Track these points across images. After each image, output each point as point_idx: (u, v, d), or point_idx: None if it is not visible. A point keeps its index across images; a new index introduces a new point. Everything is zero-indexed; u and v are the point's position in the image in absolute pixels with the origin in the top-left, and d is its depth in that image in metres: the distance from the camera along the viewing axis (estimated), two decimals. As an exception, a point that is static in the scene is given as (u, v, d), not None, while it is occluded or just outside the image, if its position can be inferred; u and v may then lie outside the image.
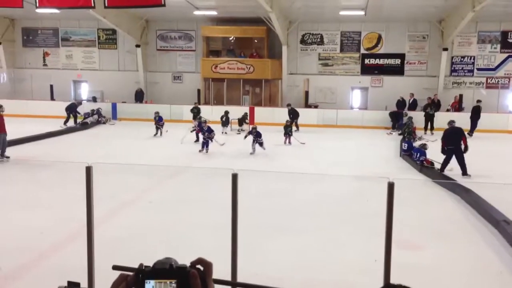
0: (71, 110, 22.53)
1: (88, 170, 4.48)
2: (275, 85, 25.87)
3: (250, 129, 16.66)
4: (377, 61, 25.24)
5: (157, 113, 19.81)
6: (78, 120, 22.53)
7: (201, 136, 16.47)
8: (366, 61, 25.32)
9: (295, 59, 25.56)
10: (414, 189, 10.97)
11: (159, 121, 19.80)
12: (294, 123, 20.75)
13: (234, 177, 4.06)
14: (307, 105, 25.01)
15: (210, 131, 15.99)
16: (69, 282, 3.30)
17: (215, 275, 1.14)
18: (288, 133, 17.97)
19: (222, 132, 19.95)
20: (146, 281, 1.10)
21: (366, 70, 25.34)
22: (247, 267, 5.25)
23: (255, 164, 14.11)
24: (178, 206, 9.65)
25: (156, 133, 19.61)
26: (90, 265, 3.77)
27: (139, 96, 25.90)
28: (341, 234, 8.03)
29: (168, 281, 1.09)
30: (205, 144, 15.84)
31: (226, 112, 21.26)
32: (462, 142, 12.65)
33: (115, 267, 3.95)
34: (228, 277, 4.35)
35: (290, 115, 21.31)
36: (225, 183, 4.95)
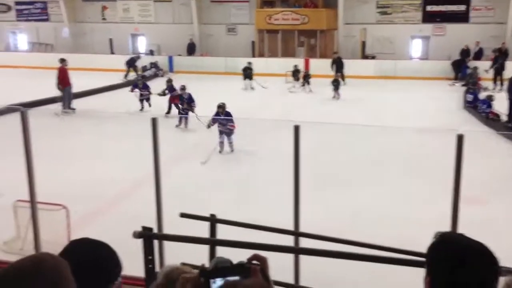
0: (131, 64, 23.04)
1: (154, 121, 4.58)
2: (330, 36, 25.18)
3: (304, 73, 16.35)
4: (440, 7, 23.85)
5: (169, 81, 14.87)
6: (137, 74, 23.02)
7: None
8: (428, 8, 23.99)
9: (351, 8, 24.60)
10: (479, 142, 10.54)
11: (144, 89, 15.44)
12: (340, 74, 19.49)
13: (296, 129, 4.03)
14: (363, 56, 24.26)
15: (190, 100, 13.15)
16: (143, 227, 3.46)
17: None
18: (335, 86, 17.33)
19: (293, 86, 18.97)
20: (211, 280, 1.12)
21: (428, 17, 24.06)
22: (309, 219, 5.30)
23: (312, 117, 13.99)
24: (239, 159, 9.80)
25: (142, 107, 15.14)
26: (159, 212, 3.93)
27: (191, 49, 26.02)
28: (404, 188, 7.92)
29: (232, 278, 1.11)
30: (184, 117, 12.77)
31: (295, 66, 20.52)
32: None
33: (183, 215, 4.09)
34: (291, 228, 4.41)
35: (333, 64, 20.36)
36: (283, 135, 4.95)
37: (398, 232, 6.19)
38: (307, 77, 19.37)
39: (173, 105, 13.85)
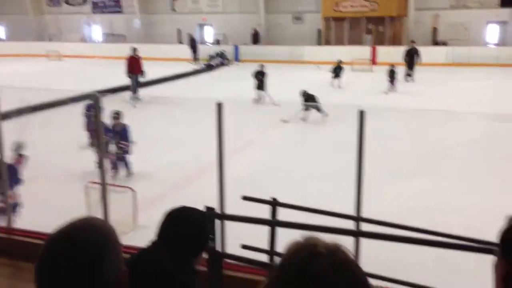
0: (193, 45, 23.83)
1: (219, 106, 4.64)
2: (400, 23, 24.36)
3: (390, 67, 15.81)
4: (521, -10, 22.40)
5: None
6: (204, 63, 23.50)
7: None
8: (507, -9, 22.60)
9: (423, -7, 23.68)
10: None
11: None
12: (409, 66, 17.97)
13: (361, 114, 3.94)
14: (434, 43, 23.27)
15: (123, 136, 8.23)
16: (206, 207, 3.54)
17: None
18: (393, 77, 15.88)
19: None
20: None
21: (506, 1, 22.62)
22: (371, 207, 5.19)
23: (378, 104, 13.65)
24: (300, 146, 9.78)
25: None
26: (222, 193, 4.00)
27: (256, 38, 26.14)
28: (474, 178, 7.57)
29: None
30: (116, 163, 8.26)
31: (340, 62, 17.56)
32: None
33: (245, 198, 4.13)
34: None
35: (408, 56, 18.23)
36: (346, 123, 4.86)
37: (466, 222, 5.93)
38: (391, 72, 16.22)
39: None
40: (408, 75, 17.91)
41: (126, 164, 8.22)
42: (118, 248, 1.19)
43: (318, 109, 11.74)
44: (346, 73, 19.47)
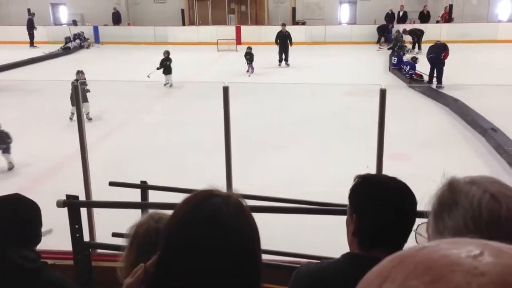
0: (30, 26, 22.01)
1: (76, 88, 4.39)
2: (261, 3, 25.05)
3: (246, 49, 15.89)
4: (366, -27, 24.34)
5: None
6: (60, 46, 21.86)
7: None
8: (355, -27, 24.42)
9: (280, -27, 24.58)
10: (403, 101, 11.00)
11: None
12: (281, 50, 17.35)
13: (225, 90, 3.99)
14: (294, 23, 24.39)
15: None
16: (67, 196, 3.32)
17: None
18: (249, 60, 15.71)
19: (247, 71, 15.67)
20: None
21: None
22: (242, 182, 5.33)
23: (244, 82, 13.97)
24: (169, 126, 9.66)
25: None
26: (86, 181, 3.79)
27: (117, 19, 25.00)
28: (333, 148, 8.15)
29: None
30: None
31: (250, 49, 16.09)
32: (443, 55, 12.59)
33: (112, 183, 3.97)
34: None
35: (280, 39, 17.29)
36: (217, 100, 4.89)
37: (327, 189, 6.39)
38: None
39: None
40: (281, 60, 17.16)
41: None
42: None
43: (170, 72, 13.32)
44: (213, 53, 19.61)
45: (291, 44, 17.37)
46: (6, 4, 26.32)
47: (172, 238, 0.98)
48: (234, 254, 0.96)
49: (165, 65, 13.67)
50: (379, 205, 1.44)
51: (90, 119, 9.60)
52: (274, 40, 17.52)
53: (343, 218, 1.60)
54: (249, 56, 15.80)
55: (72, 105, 9.30)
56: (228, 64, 17.29)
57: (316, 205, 3.72)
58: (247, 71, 15.70)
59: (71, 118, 9.61)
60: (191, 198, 1.01)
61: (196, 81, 13.84)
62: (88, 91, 9.63)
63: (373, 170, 4.90)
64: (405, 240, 1.45)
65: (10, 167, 7.51)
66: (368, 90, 9.73)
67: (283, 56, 17.27)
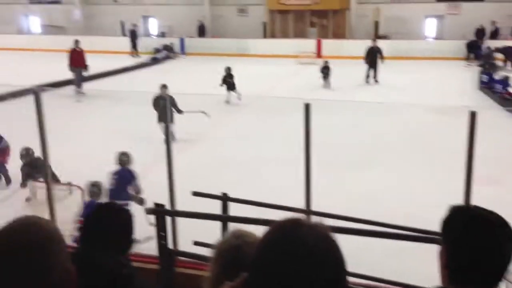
0: (133, 37, 23.69)
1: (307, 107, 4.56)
2: (343, 16, 24.88)
3: (323, 64, 15.86)
4: (455, -14, 23.44)
5: None
6: (145, 56, 23.06)
7: None
8: (443, -14, 23.58)
9: (365, -13, 24.27)
10: (494, 122, 10.42)
11: None
12: (370, 66, 16.44)
13: (307, 107, 4.00)
14: (376, 36, 23.94)
15: None
16: (155, 204, 3.50)
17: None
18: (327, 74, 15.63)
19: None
20: None
21: (443, -4, 23.65)
22: (319, 199, 5.31)
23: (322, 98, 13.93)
24: (246, 139, 9.82)
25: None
26: (171, 191, 3.96)
27: (202, 31, 25.94)
28: (414, 169, 7.89)
29: None
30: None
31: (327, 63, 15.93)
32: None
33: (195, 193, 4.12)
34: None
35: (369, 56, 16.30)
36: (293, 116, 4.94)
37: (410, 212, 6.19)
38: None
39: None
40: (368, 76, 16.42)
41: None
42: (63, 247, 1.18)
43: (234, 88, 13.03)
44: (292, 66, 19.72)
45: (383, 59, 16.49)
46: (99, 16, 28.13)
47: (259, 265, 1.02)
48: (321, 285, 0.98)
49: (228, 82, 13.47)
50: (475, 240, 1.39)
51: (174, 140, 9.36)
52: (355, 54, 17.29)
53: (423, 245, 1.56)
54: (326, 71, 15.75)
55: (159, 121, 9.28)
56: (306, 78, 17.30)
57: (395, 228, 3.63)
58: (323, 86, 15.65)
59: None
60: (279, 226, 1.05)
61: (274, 96, 13.94)
62: (181, 112, 9.59)
63: (459, 196, 4.70)
64: (499, 280, 1.40)
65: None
66: (455, 109, 9.36)
67: (372, 73, 16.42)
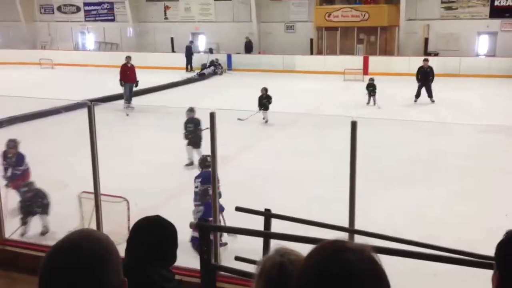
0: (188, 54, 24.43)
1: (212, 115, 4.64)
2: (391, 33, 24.59)
3: (368, 81, 15.70)
4: (509, 2, 22.70)
5: None
6: (196, 71, 23.58)
7: None
8: (496, 2, 22.90)
9: (414, 3, 23.88)
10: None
11: None
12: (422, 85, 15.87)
13: (353, 124, 3.98)
14: (426, 53, 23.49)
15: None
16: (200, 219, 3.55)
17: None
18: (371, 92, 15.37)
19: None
20: None
21: (496, 12, 22.95)
22: (364, 218, 5.23)
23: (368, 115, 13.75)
24: (290, 155, 9.81)
25: None
26: (215, 206, 4.01)
27: (249, 47, 26.26)
28: (463, 190, 7.64)
29: None
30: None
31: (372, 79, 15.82)
32: None
33: (238, 209, 4.15)
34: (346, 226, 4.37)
35: (421, 75, 16.05)
36: (338, 132, 4.90)
37: (458, 235, 5.99)
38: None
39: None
40: (418, 96, 15.89)
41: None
42: (118, 259, 1.21)
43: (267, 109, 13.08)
44: (338, 83, 19.60)
45: (433, 79, 16.06)
46: (151, 33, 29.02)
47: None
48: None
49: (263, 103, 13.42)
50: None
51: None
52: (403, 71, 16.97)
53: (472, 269, 1.51)
54: (371, 88, 15.55)
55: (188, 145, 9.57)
56: (352, 95, 17.13)
57: (442, 250, 3.51)
58: (367, 103, 15.44)
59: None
60: (323, 249, 1.03)
61: (320, 113, 13.88)
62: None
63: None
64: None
65: (44, 232, 6.51)
66: (508, 128, 9.02)
67: (426, 93, 15.85)
